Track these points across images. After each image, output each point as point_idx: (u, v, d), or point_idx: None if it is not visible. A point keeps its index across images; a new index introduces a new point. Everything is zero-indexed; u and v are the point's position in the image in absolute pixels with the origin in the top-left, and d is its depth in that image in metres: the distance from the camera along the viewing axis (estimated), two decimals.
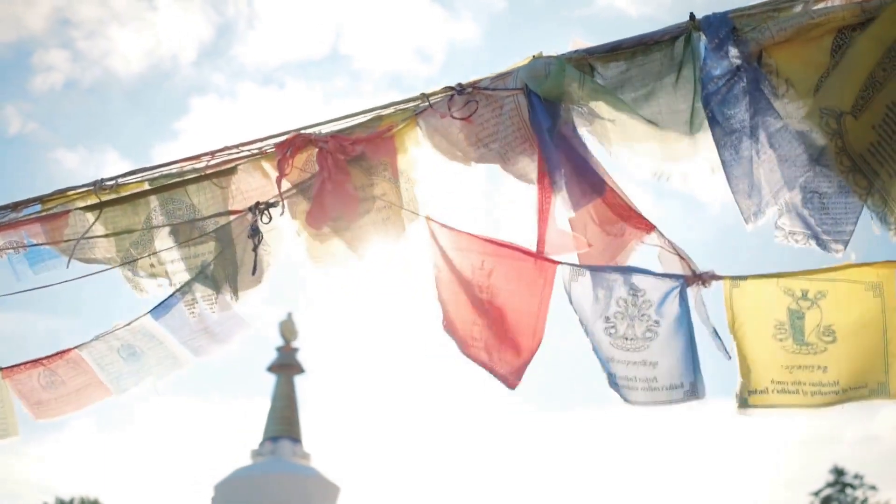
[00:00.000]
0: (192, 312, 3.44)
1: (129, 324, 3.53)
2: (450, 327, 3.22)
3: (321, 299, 3.37)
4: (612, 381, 2.98)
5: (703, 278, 2.89)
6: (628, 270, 2.96)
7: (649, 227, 3.06)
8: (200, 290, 3.41)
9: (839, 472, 35.20)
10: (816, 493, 35.35)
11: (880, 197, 2.71)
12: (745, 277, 2.85)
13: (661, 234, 3.04)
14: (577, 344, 3.03)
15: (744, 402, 2.83)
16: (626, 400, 2.96)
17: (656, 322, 2.90)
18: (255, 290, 3.38)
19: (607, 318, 2.94)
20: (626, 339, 2.93)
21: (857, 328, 2.76)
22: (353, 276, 3.33)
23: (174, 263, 3.43)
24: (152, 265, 3.44)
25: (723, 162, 2.76)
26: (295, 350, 25.02)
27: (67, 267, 3.47)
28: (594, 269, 2.99)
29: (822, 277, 2.78)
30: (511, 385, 3.12)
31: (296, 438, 23.82)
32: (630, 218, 3.04)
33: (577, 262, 3.07)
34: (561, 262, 3.04)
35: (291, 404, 24.34)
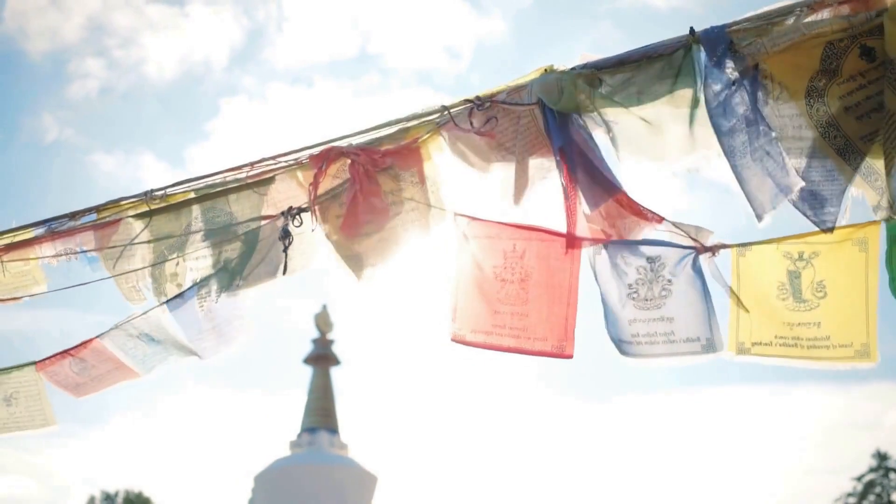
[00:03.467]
0: (202, 307, 3.63)
1: (144, 313, 3.76)
2: (461, 328, 3.35)
3: (356, 291, 3.57)
4: (623, 347, 3.22)
5: (712, 249, 3.19)
6: (644, 242, 3.24)
7: (659, 220, 3.31)
8: (216, 284, 3.60)
9: (882, 457, 34.89)
10: (859, 479, 35.09)
11: (863, 178, 2.98)
12: (749, 244, 3.18)
13: (671, 223, 3.28)
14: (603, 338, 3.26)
15: (744, 351, 3.17)
16: (641, 356, 3.21)
17: (669, 282, 3.17)
18: (268, 283, 3.55)
19: (630, 286, 3.21)
20: (647, 300, 3.19)
21: (844, 282, 3.11)
22: (383, 274, 3.50)
23: (198, 261, 3.65)
24: (177, 264, 3.66)
25: (732, 166, 2.97)
26: (331, 342, 25.30)
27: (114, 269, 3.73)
28: (614, 244, 3.26)
29: (815, 240, 3.11)
30: (566, 355, 3.26)
31: (333, 429, 24.11)
32: (639, 213, 3.28)
33: (600, 238, 3.30)
34: (585, 239, 3.27)
35: (328, 396, 24.62)
